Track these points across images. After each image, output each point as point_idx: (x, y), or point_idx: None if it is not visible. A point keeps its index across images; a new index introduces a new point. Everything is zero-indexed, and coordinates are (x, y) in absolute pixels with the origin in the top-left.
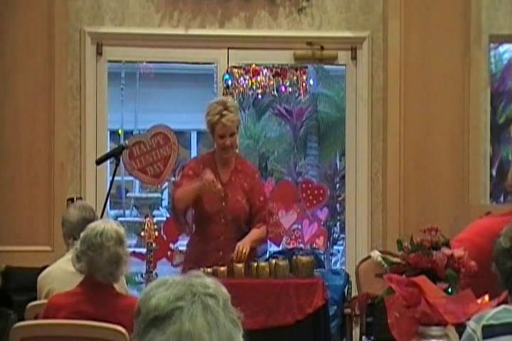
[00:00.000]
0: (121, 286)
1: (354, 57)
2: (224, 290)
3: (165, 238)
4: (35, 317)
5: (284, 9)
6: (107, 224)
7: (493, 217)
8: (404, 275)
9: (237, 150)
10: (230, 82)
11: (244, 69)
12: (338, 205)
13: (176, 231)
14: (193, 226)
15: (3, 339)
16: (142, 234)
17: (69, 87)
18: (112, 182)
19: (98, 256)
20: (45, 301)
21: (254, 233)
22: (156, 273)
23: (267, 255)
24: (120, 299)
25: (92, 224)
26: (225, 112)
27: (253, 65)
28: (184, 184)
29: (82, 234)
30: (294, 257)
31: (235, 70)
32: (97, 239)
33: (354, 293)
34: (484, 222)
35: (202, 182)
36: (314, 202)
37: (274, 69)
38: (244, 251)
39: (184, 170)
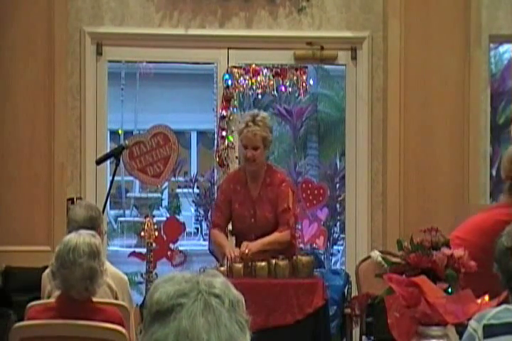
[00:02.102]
0: (123, 289)
1: (354, 57)
2: (234, 291)
3: (165, 238)
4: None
5: (284, 9)
6: (80, 237)
7: (483, 213)
8: (404, 276)
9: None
10: (230, 82)
11: (244, 69)
12: (338, 205)
13: (176, 231)
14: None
15: (3, 339)
16: (142, 234)
17: (69, 87)
18: (111, 182)
19: (71, 273)
20: (45, 301)
21: (272, 236)
22: (156, 273)
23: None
24: (96, 314)
25: (65, 239)
26: (250, 124)
27: (253, 65)
28: (219, 220)
29: (56, 249)
30: (294, 257)
31: (235, 70)
32: (69, 255)
33: (354, 293)
34: (474, 219)
35: (226, 252)
36: (314, 202)
37: (274, 69)
38: (247, 252)
39: (218, 194)
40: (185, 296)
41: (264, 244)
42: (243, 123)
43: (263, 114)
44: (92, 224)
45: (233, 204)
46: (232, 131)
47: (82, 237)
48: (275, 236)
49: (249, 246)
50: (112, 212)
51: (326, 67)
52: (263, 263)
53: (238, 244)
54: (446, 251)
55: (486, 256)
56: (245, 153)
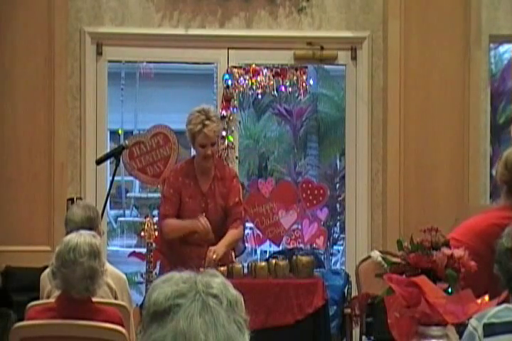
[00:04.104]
0: (122, 288)
1: (354, 57)
2: (232, 291)
3: None
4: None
5: (284, 9)
6: (81, 237)
7: (480, 215)
8: (404, 276)
9: (217, 157)
10: (230, 82)
11: (244, 69)
12: (338, 205)
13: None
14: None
15: (3, 339)
16: (142, 234)
17: (69, 87)
18: (111, 182)
19: (72, 273)
20: (45, 301)
21: (230, 235)
22: (156, 273)
23: (267, 255)
24: (96, 314)
25: (66, 238)
26: (207, 122)
27: (253, 65)
28: (170, 212)
29: (56, 249)
30: (294, 257)
31: (235, 70)
32: (70, 255)
33: (354, 293)
34: (470, 221)
35: (196, 225)
36: (314, 202)
37: (274, 69)
38: (215, 257)
39: (165, 188)
40: (183, 297)
41: (227, 245)
42: (199, 124)
43: (210, 107)
44: (91, 224)
45: (183, 198)
46: (232, 131)
47: (82, 237)
48: (233, 234)
49: (217, 251)
50: (112, 212)
51: (326, 67)
52: (263, 263)
53: (185, 242)
54: (446, 251)
55: (479, 258)
56: (204, 151)
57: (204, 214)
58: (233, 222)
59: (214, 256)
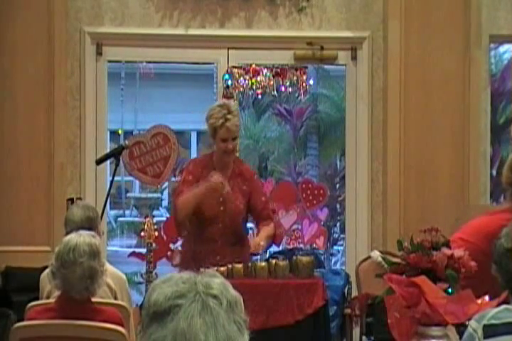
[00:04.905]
0: (122, 288)
1: (354, 57)
2: (232, 292)
3: (165, 238)
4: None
5: (284, 9)
6: (80, 237)
7: (487, 216)
8: (404, 275)
9: (237, 154)
10: (230, 82)
11: (244, 69)
12: (338, 205)
13: (175, 232)
14: (189, 227)
15: (3, 339)
16: (142, 234)
17: (69, 87)
18: (111, 182)
19: (71, 273)
20: (45, 301)
21: (266, 230)
22: (156, 273)
23: (267, 255)
24: (96, 315)
25: (65, 239)
26: (229, 116)
27: (253, 65)
28: (185, 191)
29: (56, 249)
30: (294, 257)
31: (235, 70)
32: (70, 255)
33: (354, 293)
34: (478, 221)
35: (208, 184)
36: (314, 202)
37: (274, 69)
38: (262, 244)
39: (183, 174)
40: (183, 297)
41: (266, 237)
42: (221, 118)
43: (230, 102)
44: (90, 224)
45: None
46: None
47: (82, 237)
48: (268, 229)
49: (261, 239)
50: (112, 212)
51: (326, 67)
52: (263, 264)
53: (200, 237)
54: (446, 251)
55: (486, 259)
56: (225, 145)
57: (222, 208)
58: (263, 221)
59: (261, 243)
